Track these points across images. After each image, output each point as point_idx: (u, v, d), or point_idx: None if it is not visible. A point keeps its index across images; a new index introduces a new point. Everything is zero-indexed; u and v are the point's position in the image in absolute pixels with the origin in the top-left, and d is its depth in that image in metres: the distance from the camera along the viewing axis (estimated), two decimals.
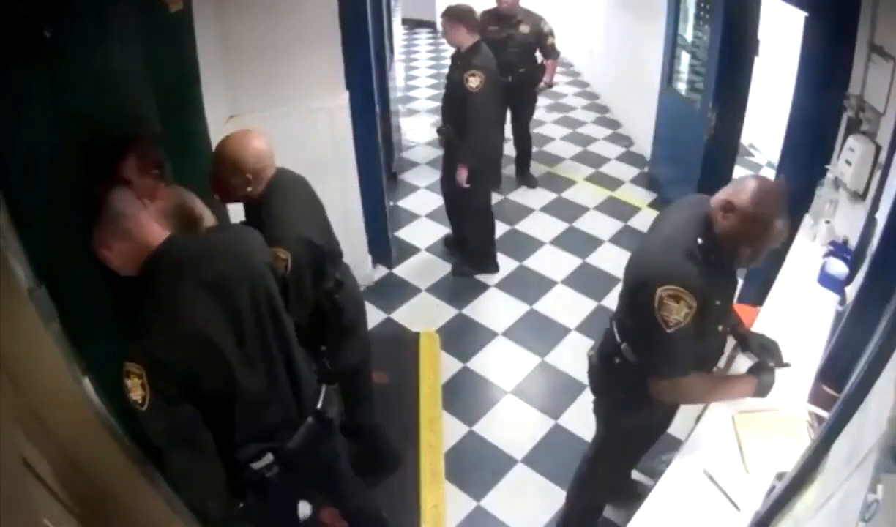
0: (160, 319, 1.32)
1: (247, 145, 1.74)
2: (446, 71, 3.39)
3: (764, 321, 2.16)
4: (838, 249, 2.34)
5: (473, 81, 3.01)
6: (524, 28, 3.90)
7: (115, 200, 1.34)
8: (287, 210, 1.78)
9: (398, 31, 8.28)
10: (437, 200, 4.43)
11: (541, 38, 3.96)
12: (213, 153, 1.78)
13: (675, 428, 2.59)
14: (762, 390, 1.71)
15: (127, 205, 1.34)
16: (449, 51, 3.38)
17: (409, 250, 3.89)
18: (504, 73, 3.98)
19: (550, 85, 4.21)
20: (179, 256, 1.37)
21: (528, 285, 3.57)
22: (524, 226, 4.16)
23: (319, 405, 1.62)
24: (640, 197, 4.54)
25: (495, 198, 4.46)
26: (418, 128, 5.62)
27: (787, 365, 1.83)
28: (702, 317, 1.47)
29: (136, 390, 1.26)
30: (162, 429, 1.33)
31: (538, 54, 4.07)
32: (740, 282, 3.36)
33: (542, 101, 5.28)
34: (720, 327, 1.71)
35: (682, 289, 1.45)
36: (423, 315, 3.36)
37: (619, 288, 3.53)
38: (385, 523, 2.18)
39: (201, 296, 1.35)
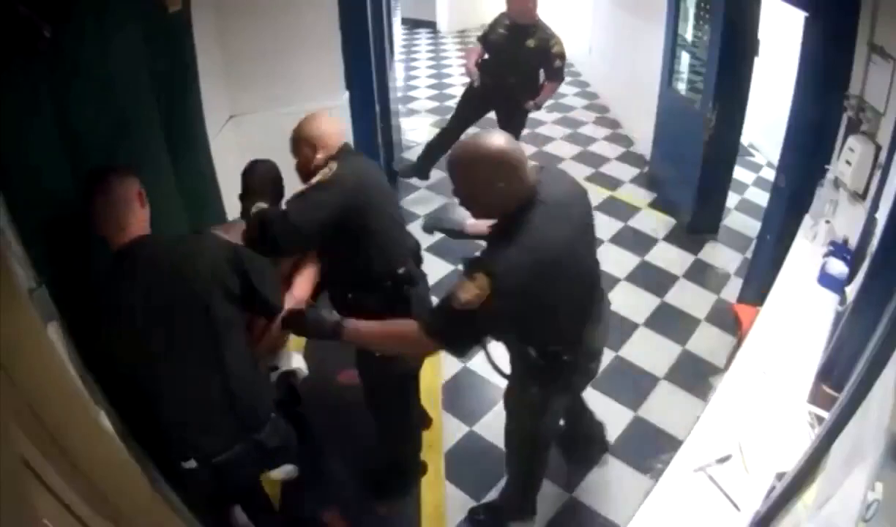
0: (95, 303, 1.44)
1: (311, 120, 1.94)
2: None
3: (764, 321, 2.16)
4: (838, 249, 2.34)
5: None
6: (531, 42, 3.74)
7: (117, 184, 1.47)
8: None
9: (398, 31, 8.28)
10: (437, 201, 4.42)
11: (547, 58, 3.77)
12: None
13: (675, 428, 2.61)
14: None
15: (127, 191, 1.49)
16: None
17: None
18: (495, 78, 3.84)
19: (539, 107, 4.01)
20: (132, 261, 1.46)
21: None
22: None
23: (262, 435, 1.57)
24: (640, 197, 4.54)
25: None
26: (418, 128, 5.62)
27: None
28: None
29: None
30: None
31: (541, 73, 3.90)
32: (738, 281, 3.40)
33: None
34: None
35: None
36: None
37: (619, 288, 3.58)
38: None
39: (133, 297, 1.43)
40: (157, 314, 1.45)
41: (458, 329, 1.51)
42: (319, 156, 1.87)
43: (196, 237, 1.61)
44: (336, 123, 1.97)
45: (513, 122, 4.10)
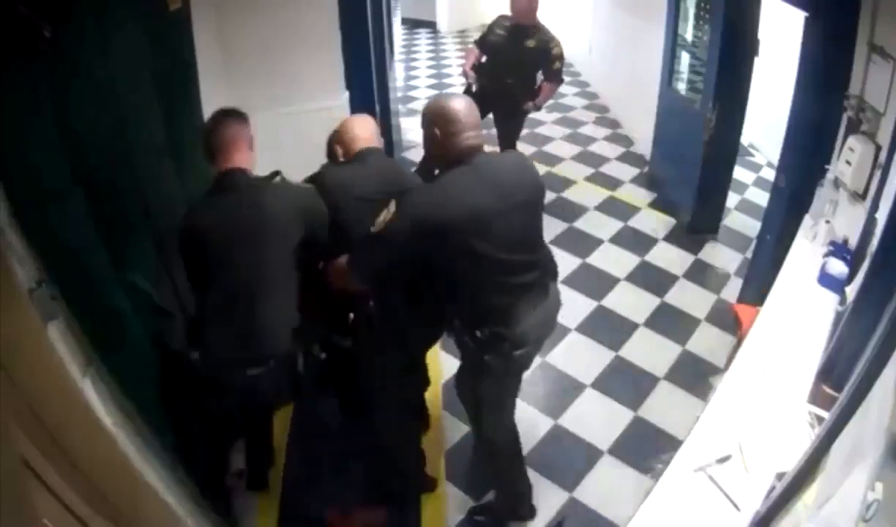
0: (187, 212, 1.81)
1: (344, 122, 2.12)
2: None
3: (764, 321, 2.16)
4: (838, 249, 2.34)
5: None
6: (530, 43, 3.72)
7: (230, 121, 1.83)
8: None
9: (398, 31, 8.27)
10: None
11: (546, 59, 3.75)
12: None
13: (675, 428, 2.61)
14: None
15: (237, 128, 1.83)
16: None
17: None
18: (493, 80, 3.80)
19: (539, 108, 3.91)
20: (225, 183, 1.80)
21: None
22: None
23: (261, 370, 1.79)
24: (640, 197, 4.54)
25: None
26: (418, 128, 5.59)
27: None
28: None
29: None
30: None
31: (539, 75, 3.87)
32: (738, 281, 3.40)
33: None
34: None
35: None
36: None
37: (619, 288, 3.58)
38: None
39: (208, 219, 1.77)
40: (228, 231, 1.75)
41: (368, 253, 1.74)
42: (341, 157, 2.06)
43: (281, 185, 1.89)
44: (361, 129, 2.07)
45: (511, 123, 4.08)
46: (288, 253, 1.80)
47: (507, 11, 3.80)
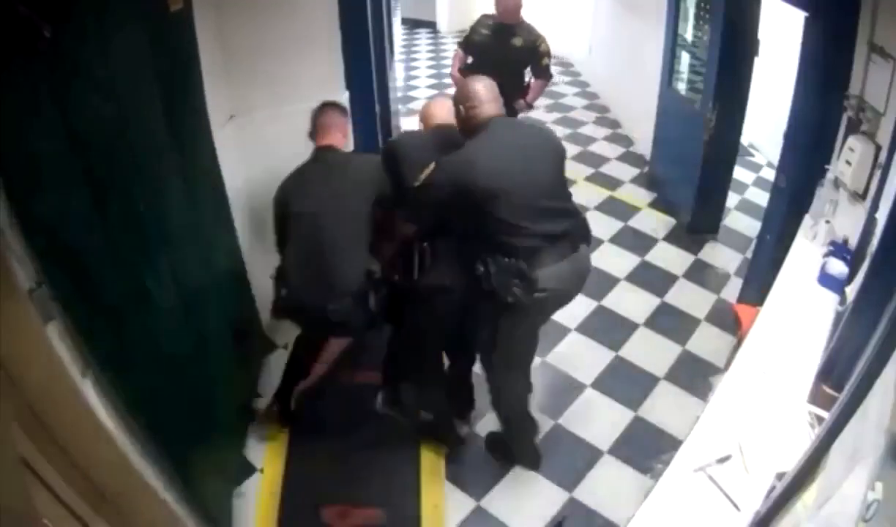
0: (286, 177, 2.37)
1: (429, 100, 2.63)
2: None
3: (764, 321, 2.16)
4: (838, 249, 2.34)
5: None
6: (517, 41, 3.72)
7: (331, 110, 2.43)
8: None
9: (398, 31, 8.27)
10: None
11: (534, 56, 3.74)
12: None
13: (675, 428, 2.61)
14: None
15: (335, 117, 2.44)
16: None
17: None
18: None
19: (531, 106, 3.87)
20: (318, 155, 2.37)
21: None
22: None
23: (335, 306, 2.17)
24: (640, 197, 4.54)
25: None
26: (418, 128, 5.60)
27: None
28: None
29: None
30: None
31: (528, 73, 3.86)
32: (738, 281, 3.40)
33: (541, 101, 5.27)
34: None
35: None
36: None
37: (619, 288, 3.58)
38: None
39: (299, 183, 2.31)
40: (315, 191, 2.24)
41: (416, 203, 2.14)
42: (423, 129, 2.48)
43: (362, 156, 2.55)
44: (435, 109, 2.47)
45: None
46: (362, 209, 2.24)
47: (490, 11, 3.80)
